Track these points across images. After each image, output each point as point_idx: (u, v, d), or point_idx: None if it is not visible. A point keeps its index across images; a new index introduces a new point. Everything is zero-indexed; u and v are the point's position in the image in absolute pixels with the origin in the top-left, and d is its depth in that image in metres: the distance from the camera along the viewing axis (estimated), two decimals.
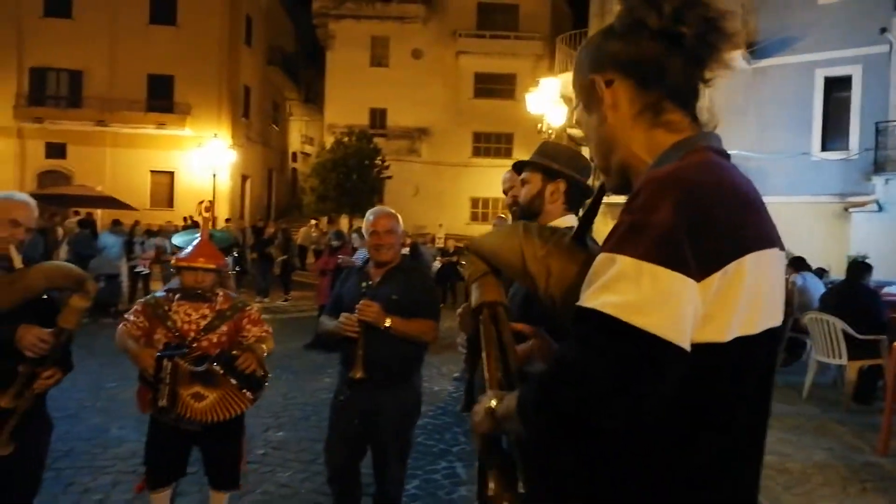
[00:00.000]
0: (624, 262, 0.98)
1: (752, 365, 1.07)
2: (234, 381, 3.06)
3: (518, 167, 2.52)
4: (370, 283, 3.24)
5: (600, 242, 1.13)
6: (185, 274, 3.25)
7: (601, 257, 1.03)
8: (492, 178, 24.85)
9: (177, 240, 11.49)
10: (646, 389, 0.96)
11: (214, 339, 3.22)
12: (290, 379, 6.94)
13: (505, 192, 3.00)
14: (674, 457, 1.06)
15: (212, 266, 3.27)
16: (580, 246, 1.34)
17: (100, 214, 20.35)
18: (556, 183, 2.31)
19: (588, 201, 1.44)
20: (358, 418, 3.20)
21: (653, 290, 0.95)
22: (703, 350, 1.00)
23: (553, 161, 2.39)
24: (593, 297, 1.00)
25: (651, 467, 1.07)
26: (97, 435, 5.04)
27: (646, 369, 0.95)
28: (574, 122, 1.32)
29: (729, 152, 1.17)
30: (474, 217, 28.40)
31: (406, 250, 14.34)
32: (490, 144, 29.05)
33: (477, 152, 29.26)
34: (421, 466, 4.63)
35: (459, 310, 2.87)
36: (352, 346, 3.13)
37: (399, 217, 3.36)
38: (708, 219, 0.99)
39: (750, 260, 1.01)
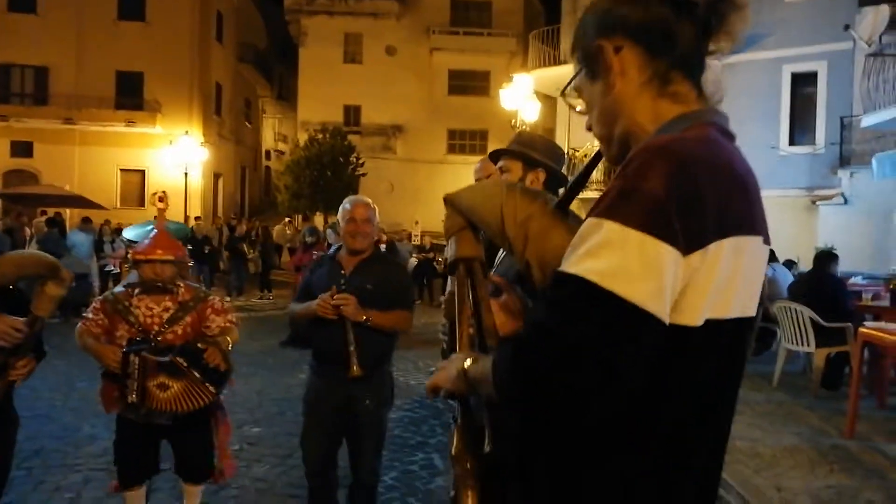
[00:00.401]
0: (611, 228, 0.96)
1: (721, 350, 1.05)
2: (197, 374, 3.03)
3: (495, 156, 2.53)
4: (344, 272, 3.23)
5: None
6: (144, 267, 3.20)
7: (588, 222, 1.00)
8: (467, 175, 24.45)
9: (129, 233, 11.30)
10: (622, 359, 0.94)
11: (179, 331, 3.18)
12: (265, 375, 6.90)
13: (478, 181, 3.00)
14: (637, 431, 1.04)
15: (170, 257, 3.23)
16: (562, 214, 1.32)
17: (69, 214, 19.98)
18: (535, 172, 2.32)
19: (579, 171, 1.38)
20: (333, 410, 3.19)
21: (639, 258, 0.93)
22: (675, 331, 0.98)
23: (532, 150, 2.41)
24: (576, 263, 0.98)
25: (614, 442, 1.04)
26: (68, 434, 4.96)
27: (624, 339, 0.94)
28: (572, 89, 1.28)
29: None
30: None
31: (383, 247, 14.35)
32: (465, 141, 29.11)
33: (452, 149, 29.30)
34: (398, 458, 4.64)
35: (443, 296, 2.88)
36: (325, 337, 3.11)
37: (375, 208, 3.36)
38: (698, 195, 0.97)
39: (729, 244, 0.99)
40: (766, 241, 1.10)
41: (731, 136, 1.13)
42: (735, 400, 1.13)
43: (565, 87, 1.34)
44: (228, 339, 3.25)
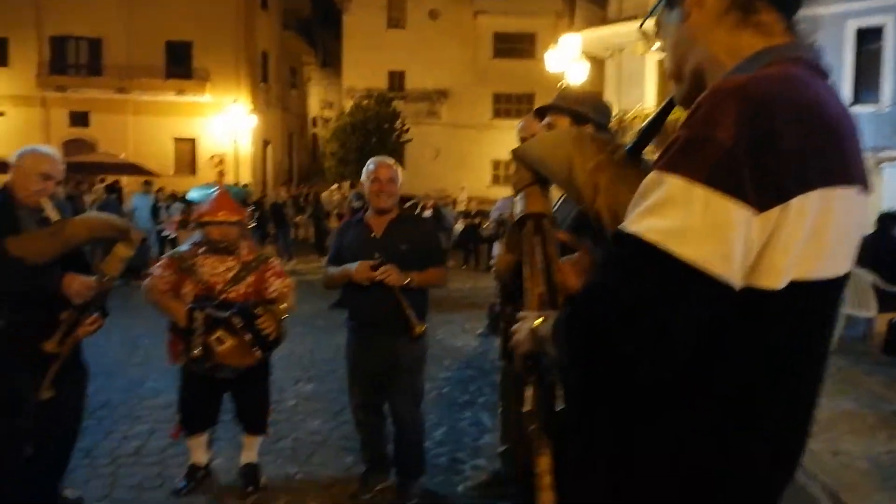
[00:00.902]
0: (674, 183, 0.88)
1: (804, 312, 0.96)
2: (247, 337, 3.14)
3: (541, 112, 2.49)
4: (374, 234, 3.27)
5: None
6: (211, 228, 3.30)
7: (650, 176, 0.93)
8: (513, 140, 24.33)
9: (192, 195, 11.63)
10: (678, 322, 0.88)
11: (241, 290, 3.30)
12: (316, 335, 7.08)
13: (523, 140, 2.98)
14: (692, 390, 0.98)
15: (234, 219, 3.33)
16: (634, 162, 1.25)
17: (125, 181, 20.62)
18: (583, 128, 2.28)
19: (652, 115, 1.30)
20: (373, 367, 3.32)
21: (703, 217, 0.85)
22: (751, 294, 0.90)
23: (580, 105, 2.37)
24: (637, 221, 0.91)
25: (667, 398, 0.99)
26: (133, 387, 5.21)
27: (682, 301, 0.88)
28: (654, 25, 1.20)
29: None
30: (496, 179, 28.22)
31: (428, 213, 14.38)
32: (510, 105, 28.67)
33: (497, 113, 28.93)
34: (447, 416, 4.72)
35: (495, 258, 2.90)
36: (362, 299, 3.21)
37: (399, 168, 3.39)
38: (776, 143, 0.87)
39: (817, 196, 0.88)
40: (865, 188, 0.98)
41: (823, 74, 1.01)
42: (823, 364, 1.04)
43: (644, 20, 1.28)
44: (284, 305, 3.35)
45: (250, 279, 3.33)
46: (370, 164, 3.35)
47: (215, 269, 3.29)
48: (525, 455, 1.28)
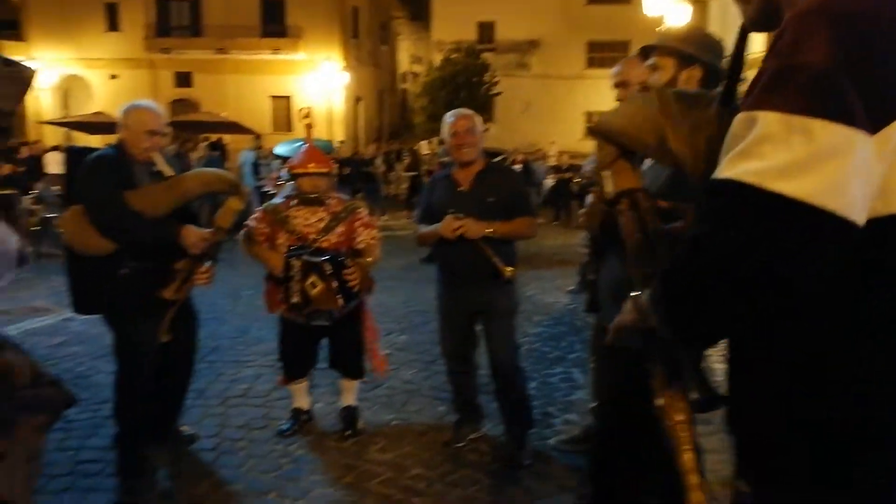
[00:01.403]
0: (767, 119, 0.80)
1: None
2: (333, 285, 3.23)
3: (645, 52, 2.36)
4: (461, 188, 3.25)
5: None
6: (303, 180, 3.40)
7: (738, 118, 0.86)
8: (607, 91, 23.37)
9: (279, 149, 12.00)
10: (790, 267, 0.80)
11: (333, 240, 3.40)
12: (408, 288, 7.22)
13: (617, 86, 2.84)
14: (834, 356, 0.89)
15: (324, 170, 3.41)
16: (729, 112, 1.14)
17: (227, 139, 21.55)
18: (690, 69, 2.14)
19: (732, 53, 1.21)
20: (464, 318, 3.37)
21: (807, 148, 0.77)
22: (876, 224, 0.82)
23: (686, 44, 2.21)
24: (730, 167, 0.84)
25: (808, 370, 0.91)
26: (239, 334, 5.53)
27: (793, 244, 0.80)
28: None
29: None
30: (589, 132, 27.42)
31: (518, 167, 14.19)
32: (605, 54, 27.46)
33: (591, 63, 27.86)
34: (538, 370, 4.73)
35: (583, 209, 2.82)
36: (450, 253, 3.22)
37: (478, 118, 3.33)
38: (877, 55, 0.79)
39: None
40: None
41: None
42: None
43: None
44: (370, 259, 3.43)
45: (340, 229, 3.42)
46: (448, 118, 3.32)
47: (307, 220, 3.40)
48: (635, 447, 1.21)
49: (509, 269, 3.17)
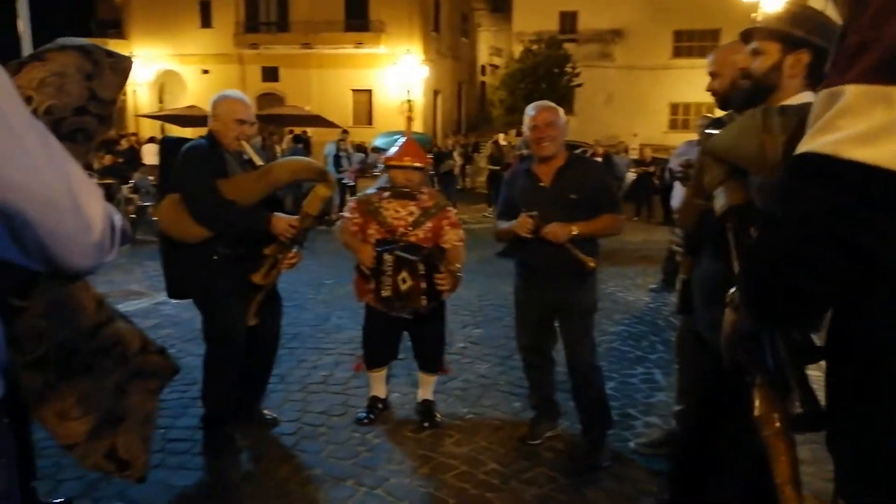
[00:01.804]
0: (849, 92, 0.78)
1: None
2: (423, 286, 3.23)
3: (746, 36, 2.21)
4: (542, 184, 3.16)
5: None
6: (396, 173, 3.41)
7: (819, 95, 0.84)
8: (694, 81, 22.71)
9: (378, 142, 12.22)
10: (873, 241, 0.77)
11: (421, 235, 3.39)
12: (483, 282, 7.18)
13: (712, 75, 2.69)
14: None
15: (418, 164, 3.40)
16: None
17: (310, 132, 22.15)
18: (798, 54, 1.97)
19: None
20: (541, 313, 3.31)
21: (886, 115, 0.75)
22: None
23: (793, 26, 2.05)
24: (807, 142, 0.82)
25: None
26: (320, 322, 5.66)
27: (873, 215, 0.77)
28: None
29: None
30: (673, 125, 26.51)
31: (599, 160, 13.86)
32: (693, 43, 26.45)
33: (678, 52, 26.88)
34: (617, 370, 4.60)
35: (679, 205, 2.70)
36: (528, 247, 3.15)
37: (560, 111, 3.21)
38: None
39: None
40: None
41: None
42: None
43: None
44: (459, 265, 3.41)
45: (429, 225, 3.42)
46: (529, 110, 3.23)
47: (398, 213, 3.41)
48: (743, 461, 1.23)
49: (591, 261, 3.08)
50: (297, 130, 19.44)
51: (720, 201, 1.46)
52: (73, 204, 0.92)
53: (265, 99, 27.74)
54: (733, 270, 1.36)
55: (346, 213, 3.53)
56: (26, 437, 1.91)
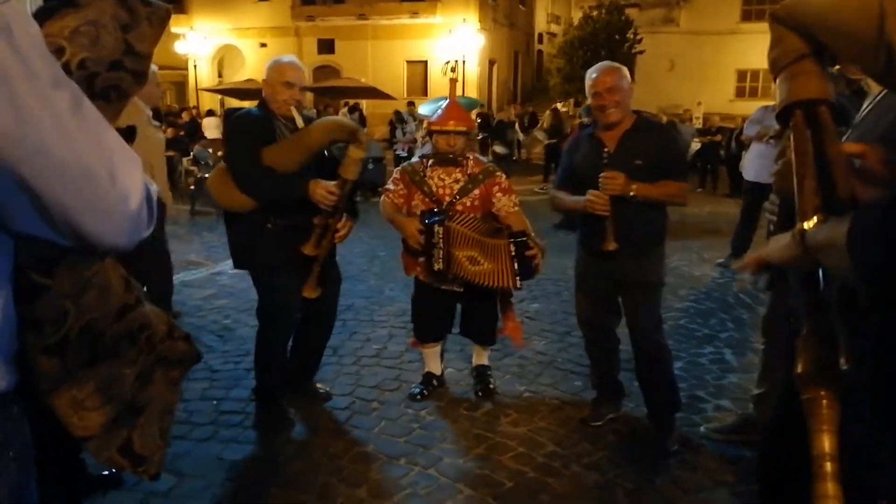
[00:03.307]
0: None
1: None
2: (514, 265, 3.07)
3: None
4: (607, 150, 2.92)
5: None
6: (438, 138, 3.24)
7: None
8: (763, 46, 21.35)
9: (423, 109, 12.05)
10: None
11: (468, 203, 3.23)
12: None
13: None
14: None
15: (462, 128, 3.21)
16: None
17: (365, 104, 22.12)
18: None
19: None
20: (603, 286, 3.12)
21: None
22: None
23: None
24: None
25: None
26: (373, 295, 5.57)
27: None
28: None
29: None
30: (740, 93, 25.26)
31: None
32: (764, 6, 24.97)
33: (747, 16, 25.42)
34: (685, 349, 4.34)
35: (776, 166, 2.43)
36: (596, 220, 2.91)
37: (623, 70, 2.95)
38: None
39: None
40: None
41: None
42: None
43: None
44: (539, 248, 3.23)
45: (476, 192, 3.25)
46: (590, 73, 2.97)
47: (443, 182, 3.25)
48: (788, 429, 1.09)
49: (612, 245, 2.87)
50: (352, 102, 19.42)
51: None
52: (109, 174, 0.80)
53: (321, 71, 27.79)
54: (795, 184, 1.08)
55: (389, 185, 3.37)
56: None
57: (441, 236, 3.08)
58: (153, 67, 5.65)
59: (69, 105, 0.79)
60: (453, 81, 3.47)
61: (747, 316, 5.08)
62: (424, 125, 3.64)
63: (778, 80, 1.11)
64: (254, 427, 3.19)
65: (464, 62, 24.22)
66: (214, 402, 3.47)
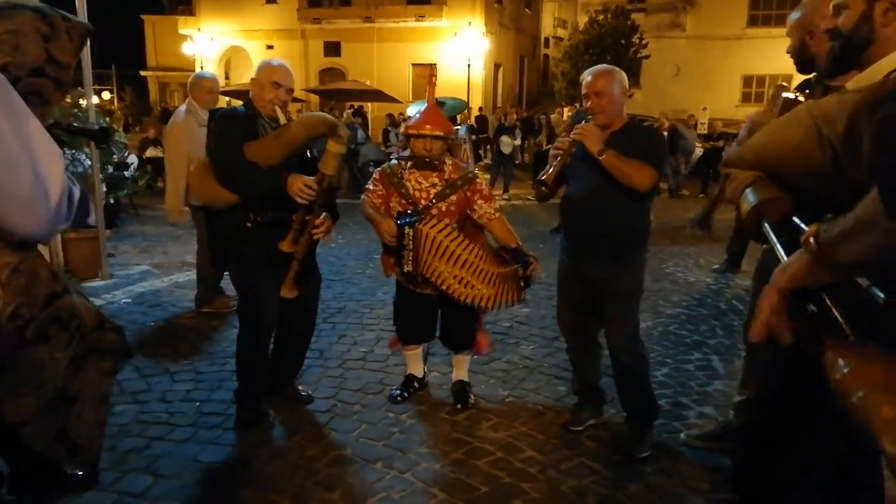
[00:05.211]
0: None
1: None
2: (522, 284, 3.11)
3: None
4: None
5: None
6: (415, 142, 3.24)
7: None
8: (770, 51, 21.56)
9: (410, 110, 12.10)
10: None
11: (444, 208, 3.23)
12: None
13: (789, 35, 2.40)
14: None
15: (439, 133, 3.21)
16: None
17: (370, 107, 22.18)
18: (881, 2, 1.69)
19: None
20: (582, 290, 3.12)
21: None
22: None
23: None
24: None
25: None
26: (365, 297, 5.58)
27: None
28: None
29: None
30: (746, 98, 25.14)
31: (665, 133, 13.26)
32: (771, 11, 24.88)
33: (754, 21, 25.36)
34: (672, 356, 4.33)
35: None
36: (571, 218, 3.04)
37: (617, 74, 2.94)
38: None
39: None
40: None
41: None
42: None
43: None
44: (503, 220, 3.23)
45: (453, 198, 3.25)
46: (585, 76, 2.98)
47: (420, 185, 3.26)
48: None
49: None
50: (357, 105, 19.47)
51: (749, 200, 1.44)
52: (31, 166, 0.82)
53: (327, 74, 27.89)
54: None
55: (369, 185, 3.39)
56: None
57: (410, 238, 3.09)
58: (211, 73, 5.76)
59: None
60: (432, 85, 3.47)
61: (738, 323, 5.06)
62: (401, 128, 3.65)
63: (743, 195, 1.49)
64: (233, 429, 3.20)
65: (469, 66, 24.22)
66: (197, 404, 3.48)
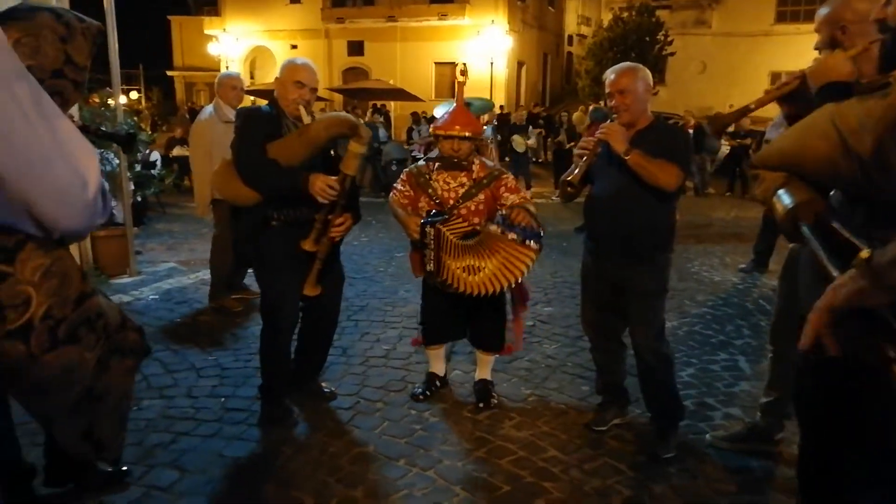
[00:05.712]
0: None
1: None
2: (513, 236, 3.00)
3: None
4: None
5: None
6: (443, 142, 3.24)
7: None
8: (798, 47, 21.14)
9: (437, 111, 12.09)
10: None
11: (472, 207, 3.22)
12: (558, 258, 6.93)
13: (818, 31, 2.33)
14: None
15: (466, 133, 3.20)
16: None
17: (393, 106, 22.24)
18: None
19: None
20: (606, 289, 3.09)
21: None
22: None
23: None
24: None
25: None
26: (388, 295, 5.59)
27: None
28: None
29: None
30: None
31: (690, 132, 13.07)
32: (800, 7, 24.47)
33: (782, 17, 24.96)
34: (697, 356, 4.27)
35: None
36: (596, 218, 3.03)
37: (640, 71, 2.90)
38: None
39: None
40: None
41: None
42: None
43: None
44: (531, 207, 3.18)
45: (481, 196, 3.24)
46: (608, 74, 2.95)
47: (447, 185, 3.25)
48: None
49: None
50: (380, 104, 19.54)
51: (784, 203, 1.43)
52: (68, 162, 0.84)
53: (350, 73, 28.01)
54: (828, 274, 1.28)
55: (397, 185, 3.39)
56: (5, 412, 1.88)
57: (432, 237, 3.08)
58: (236, 72, 5.87)
59: (30, 95, 0.82)
60: (461, 84, 3.46)
61: (765, 323, 4.98)
62: (430, 129, 3.64)
63: (777, 196, 1.50)
64: (257, 425, 3.23)
65: (492, 64, 24.17)
66: (222, 400, 3.52)
